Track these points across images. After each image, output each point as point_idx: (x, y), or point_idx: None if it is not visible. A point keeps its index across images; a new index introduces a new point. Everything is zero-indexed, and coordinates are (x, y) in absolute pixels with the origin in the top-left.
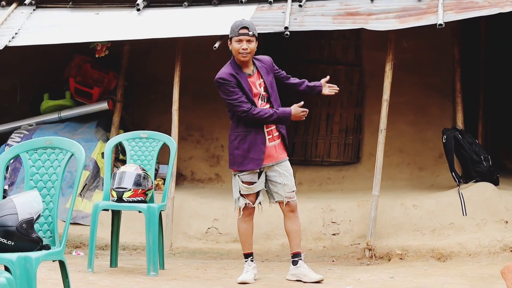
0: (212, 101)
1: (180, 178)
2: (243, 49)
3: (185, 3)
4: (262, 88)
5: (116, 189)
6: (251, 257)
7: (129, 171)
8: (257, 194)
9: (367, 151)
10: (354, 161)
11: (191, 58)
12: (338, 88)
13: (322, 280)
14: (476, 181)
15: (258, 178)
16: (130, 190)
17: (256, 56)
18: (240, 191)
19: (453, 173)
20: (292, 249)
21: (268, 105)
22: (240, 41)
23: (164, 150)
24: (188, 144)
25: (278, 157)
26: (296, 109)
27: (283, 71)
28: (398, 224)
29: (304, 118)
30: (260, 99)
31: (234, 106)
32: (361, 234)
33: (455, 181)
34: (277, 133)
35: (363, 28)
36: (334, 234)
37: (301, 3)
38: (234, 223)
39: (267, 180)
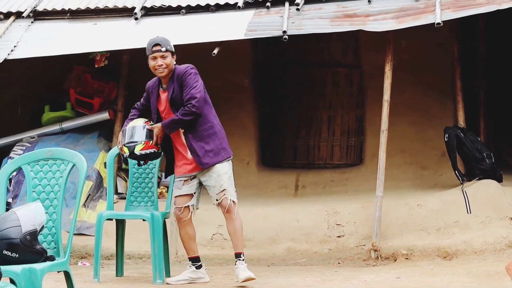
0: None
1: None
2: (158, 65)
3: (183, 10)
4: (167, 103)
5: (127, 145)
6: (194, 261)
7: (139, 125)
8: (190, 198)
9: (369, 152)
10: (357, 163)
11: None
12: None
13: (252, 279)
14: (480, 179)
15: (183, 184)
16: (142, 143)
17: (178, 67)
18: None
19: (456, 172)
20: (234, 249)
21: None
22: (154, 58)
23: None
24: None
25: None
26: (118, 136)
27: (186, 95)
28: (403, 224)
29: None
30: (167, 114)
31: None
32: (366, 236)
33: (459, 179)
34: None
35: (361, 29)
36: (339, 236)
37: (298, 7)
38: None
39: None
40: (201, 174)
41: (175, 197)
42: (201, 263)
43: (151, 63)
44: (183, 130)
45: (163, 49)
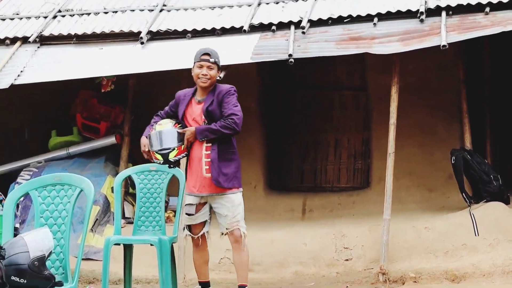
0: None
1: None
2: (202, 74)
3: (189, 35)
4: (201, 115)
5: (160, 152)
6: (204, 286)
7: (167, 129)
8: (204, 225)
9: (376, 175)
10: (364, 186)
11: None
12: None
13: None
14: (487, 201)
15: (197, 211)
16: (175, 149)
17: (220, 85)
18: (183, 222)
19: (463, 194)
20: (237, 281)
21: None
22: (201, 66)
23: (173, 182)
24: None
25: (217, 189)
26: (142, 140)
27: (228, 110)
28: (410, 247)
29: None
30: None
31: None
32: (374, 259)
33: (466, 201)
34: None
35: (367, 52)
36: (347, 260)
37: (304, 30)
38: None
39: (214, 211)
40: (212, 199)
41: (187, 225)
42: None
43: (196, 71)
44: (208, 144)
45: (212, 60)
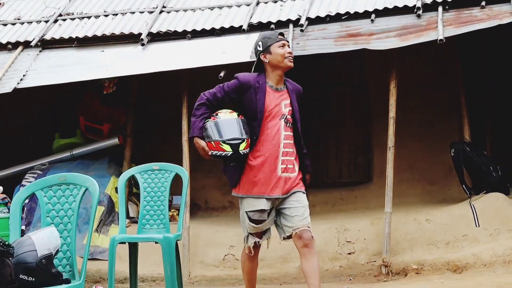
0: None
1: (195, 208)
2: (288, 52)
3: (189, 35)
4: (288, 110)
5: (228, 142)
6: None
7: (232, 118)
8: (265, 231)
9: (377, 170)
10: (365, 180)
11: (197, 88)
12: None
13: None
14: (487, 192)
15: (268, 216)
16: (244, 140)
17: (288, 79)
18: (247, 230)
19: (463, 186)
20: None
21: (290, 132)
22: (283, 45)
23: (177, 181)
24: (200, 174)
25: (290, 189)
26: (200, 142)
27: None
28: (412, 239)
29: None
30: (283, 119)
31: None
32: (377, 252)
33: (466, 193)
34: (292, 166)
35: (365, 48)
36: (349, 253)
37: (302, 28)
38: None
39: (278, 213)
40: (283, 201)
41: (255, 226)
42: None
43: (279, 51)
44: (288, 141)
45: (288, 40)
